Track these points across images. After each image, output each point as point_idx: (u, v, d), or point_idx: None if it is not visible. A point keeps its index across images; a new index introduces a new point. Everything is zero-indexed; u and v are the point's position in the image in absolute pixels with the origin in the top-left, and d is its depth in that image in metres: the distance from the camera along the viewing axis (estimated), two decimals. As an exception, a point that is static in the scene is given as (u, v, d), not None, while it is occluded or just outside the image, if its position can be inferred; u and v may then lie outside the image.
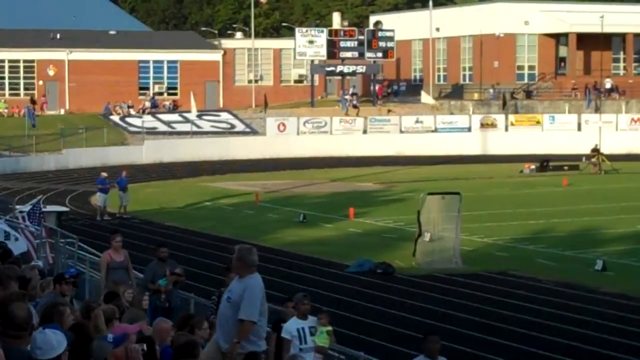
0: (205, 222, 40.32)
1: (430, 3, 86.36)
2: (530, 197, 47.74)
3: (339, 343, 14.92)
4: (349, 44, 79.20)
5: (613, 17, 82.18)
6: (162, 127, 73.35)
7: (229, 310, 11.05)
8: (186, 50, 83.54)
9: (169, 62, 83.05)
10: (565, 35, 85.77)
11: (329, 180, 56.46)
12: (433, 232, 31.54)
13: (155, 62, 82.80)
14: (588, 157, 61.82)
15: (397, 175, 58.65)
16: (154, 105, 79.05)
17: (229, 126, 75.06)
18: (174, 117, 75.81)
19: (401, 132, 73.78)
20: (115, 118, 75.19)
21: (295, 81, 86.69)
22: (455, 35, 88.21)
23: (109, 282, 17.59)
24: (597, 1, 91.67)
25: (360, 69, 80.00)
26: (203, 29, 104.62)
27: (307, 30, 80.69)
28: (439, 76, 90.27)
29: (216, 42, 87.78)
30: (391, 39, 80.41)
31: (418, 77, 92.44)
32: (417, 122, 74.66)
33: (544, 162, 61.13)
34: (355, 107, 77.04)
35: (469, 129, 74.44)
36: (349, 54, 79.19)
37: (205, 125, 74.38)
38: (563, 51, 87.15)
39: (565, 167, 60.95)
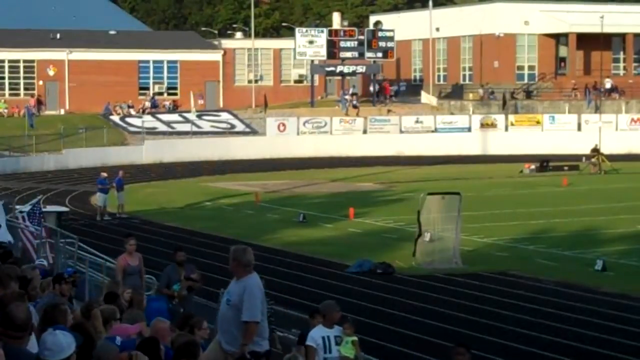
0: (205, 222, 40.32)
1: (430, 3, 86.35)
2: (530, 197, 47.74)
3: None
4: (349, 44, 79.20)
5: (613, 17, 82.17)
6: (162, 127, 73.35)
7: (229, 313, 11.06)
8: (186, 50, 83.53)
9: (169, 62, 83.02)
10: (565, 35, 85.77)
11: (329, 180, 56.45)
12: (433, 232, 31.54)
13: (155, 62, 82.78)
14: (588, 157, 61.83)
15: (397, 175, 58.65)
16: (154, 105, 79.06)
17: (229, 126, 75.05)
18: (174, 117, 75.80)
19: (401, 132, 73.78)
20: (115, 118, 75.18)
21: (295, 81, 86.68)
22: (455, 35, 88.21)
23: (125, 287, 17.43)
24: (597, 1, 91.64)
25: (360, 69, 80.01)
26: (203, 29, 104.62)
27: (307, 30, 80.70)
28: (439, 76, 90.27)
29: (216, 42, 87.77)
30: (391, 39, 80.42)
31: (418, 77, 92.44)
32: (417, 122, 74.66)
33: (544, 162, 61.13)
34: (355, 107, 77.04)
35: (469, 129, 74.44)
36: (349, 54, 79.19)
37: (205, 125, 74.38)
38: (563, 51, 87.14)
39: (565, 167, 60.96)
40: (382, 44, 79.85)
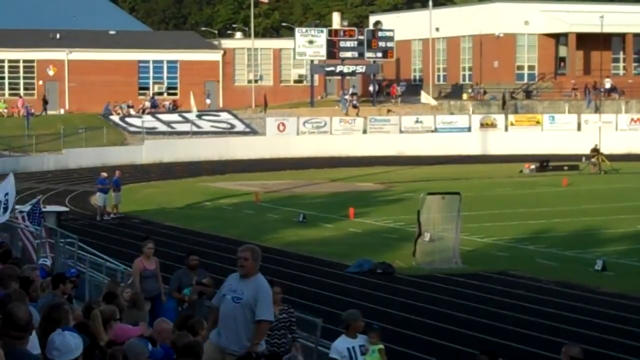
0: (205, 222, 40.31)
1: (430, 3, 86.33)
2: (530, 197, 47.73)
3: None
4: (348, 44, 79.20)
5: (613, 17, 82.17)
6: (162, 127, 73.33)
7: (238, 311, 10.99)
8: (186, 50, 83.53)
9: (168, 62, 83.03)
10: (565, 35, 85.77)
11: (329, 180, 56.44)
12: (433, 232, 31.54)
13: (155, 62, 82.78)
14: (588, 157, 61.82)
15: (397, 175, 58.64)
16: (154, 105, 79.06)
17: (228, 126, 75.04)
18: (174, 117, 75.79)
19: (401, 132, 73.79)
20: (115, 118, 75.17)
21: (295, 81, 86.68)
22: (455, 35, 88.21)
23: (141, 291, 17.12)
24: (597, 1, 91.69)
25: (360, 69, 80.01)
26: (203, 29, 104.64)
27: (306, 30, 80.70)
28: (438, 76, 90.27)
29: (216, 42, 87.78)
30: (391, 39, 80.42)
31: (418, 77, 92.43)
32: (417, 122, 74.67)
33: (544, 162, 61.12)
34: (355, 107, 77.04)
35: (469, 129, 74.45)
36: (348, 54, 79.19)
37: (205, 125, 74.37)
38: (563, 51, 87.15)
39: (565, 167, 60.96)
40: (381, 44, 79.86)
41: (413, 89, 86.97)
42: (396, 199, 46.90)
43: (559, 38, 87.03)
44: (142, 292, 17.14)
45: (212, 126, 74.56)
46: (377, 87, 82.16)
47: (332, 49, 78.60)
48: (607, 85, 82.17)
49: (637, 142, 73.24)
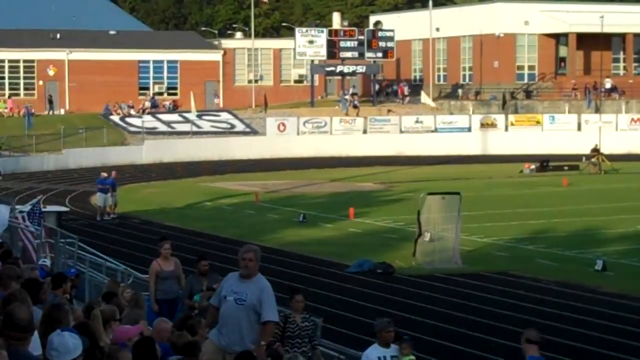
0: (205, 222, 40.31)
1: (430, 3, 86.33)
2: (530, 197, 47.74)
3: (338, 343, 14.92)
4: (349, 44, 79.21)
5: (613, 17, 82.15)
6: (162, 127, 73.33)
7: (242, 313, 10.97)
8: (186, 50, 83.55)
9: (169, 62, 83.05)
10: (565, 35, 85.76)
11: (329, 180, 56.44)
12: (433, 232, 31.54)
13: (155, 62, 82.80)
14: (588, 157, 61.82)
15: (397, 175, 58.63)
16: (154, 105, 79.06)
17: (229, 126, 75.04)
18: (174, 117, 75.79)
19: (401, 132, 73.80)
20: (115, 118, 75.17)
21: (295, 81, 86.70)
22: (455, 35, 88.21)
23: (157, 293, 17.00)
24: (597, 1, 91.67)
25: (360, 69, 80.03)
26: (203, 29, 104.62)
27: (307, 30, 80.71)
28: (439, 76, 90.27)
29: (216, 42, 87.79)
30: (391, 39, 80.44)
31: (418, 77, 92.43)
32: (417, 122, 74.68)
33: (544, 162, 61.13)
34: (355, 107, 77.05)
35: (469, 129, 74.46)
36: (349, 54, 79.20)
37: (205, 125, 74.38)
38: (563, 51, 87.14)
39: (565, 167, 60.97)
40: (382, 44, 79.87)
41: (413, 89, 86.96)
42: (396, 199, 46.90)
43: (559, 38, 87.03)
44: (159, 293, 17.09)
45: (212, 126, 74.56)
46: (377, 87, 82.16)
47: (333, 49, 78.62)
48: (607, 85, 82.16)
49: (637, 142, 73.24)
